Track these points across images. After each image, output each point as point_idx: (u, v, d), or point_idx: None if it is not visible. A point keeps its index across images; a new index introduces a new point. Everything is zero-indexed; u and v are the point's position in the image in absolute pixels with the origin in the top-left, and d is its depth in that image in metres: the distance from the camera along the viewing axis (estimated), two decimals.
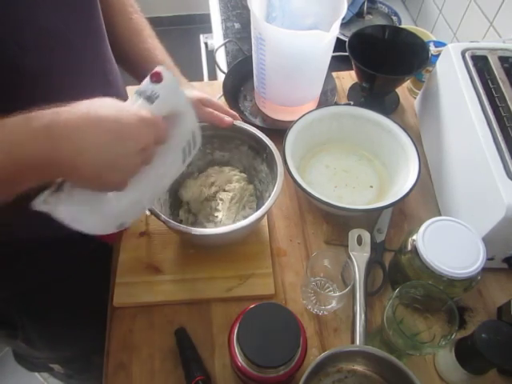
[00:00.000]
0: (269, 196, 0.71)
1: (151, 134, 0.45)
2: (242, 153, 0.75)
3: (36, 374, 1.40)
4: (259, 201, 0.75)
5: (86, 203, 0.46)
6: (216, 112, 0.68)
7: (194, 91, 0.69)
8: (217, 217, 0.71)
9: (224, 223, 0.70)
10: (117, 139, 0.42)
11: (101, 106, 0.42)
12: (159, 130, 0.47)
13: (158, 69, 0.48)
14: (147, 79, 0.48)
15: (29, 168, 0.39)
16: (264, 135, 0.70)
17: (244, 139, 0.73)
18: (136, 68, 0.70)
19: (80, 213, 0.46)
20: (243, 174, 0.77)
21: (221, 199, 0.73)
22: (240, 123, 0.71)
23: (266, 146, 0.70)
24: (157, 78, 0.47)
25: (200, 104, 0.67)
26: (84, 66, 0.56)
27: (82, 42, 0.55)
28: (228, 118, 0.68)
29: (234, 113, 0.72)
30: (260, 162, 0.73)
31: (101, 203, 0.48)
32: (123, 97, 0.72)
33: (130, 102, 0.47)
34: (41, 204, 0.43)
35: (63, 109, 0.40)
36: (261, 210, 0.62)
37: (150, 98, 0.47)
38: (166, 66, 0.69)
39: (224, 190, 0.74)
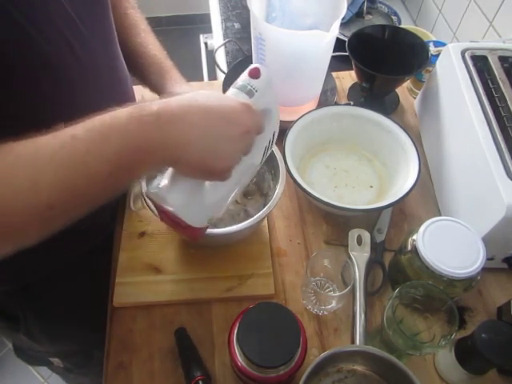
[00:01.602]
0: (268, 186, 0.71)
1: (253, 121, 0.46)
2: None
3: (36, 373, 1.40)
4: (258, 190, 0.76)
5: (189, 193, 0.48)
6: None
7: (185, 88, 0.68)
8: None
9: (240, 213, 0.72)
10: (221, 122, 0.43)
11: (204, 95, 0.44)
12: (259, 119, 0.48)
13: (255, 65, 0.49)
14: (245, 75, 0.49)
15: (143, 154, 0.40)
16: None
17: None
18: (129, 63, 0.70)
19: (185, 202, 0.48)
20: None
21: None
22: None
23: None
24: (255, 74, 0.49)
25: None
26: (95, 61, 0.57)
27: (95, 37, 0.55)
28: None
29: None
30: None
31: (200, 194, 0.50)
32: (131, 94, 0.72)
33: (229, 95, 0.49)
34: (154, 191, 0.46)
35: (170, 98, 0.42)
36: (264, 209, 0.62)
37: (250, 92, 0.48)
38: (158, 60, 0.69)
39: None
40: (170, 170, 0.48)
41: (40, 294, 0.72)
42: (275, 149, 0.69)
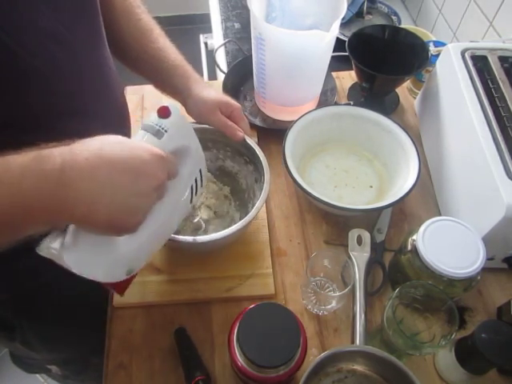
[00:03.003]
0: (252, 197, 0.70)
1: (165, 170, 0.43)
2: (248, 171, 0.74)
3: (36, 374, 1.40)
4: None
5: (92, 249, 0.44)
6: (230, 123, 0.66)
7: (212, 92, 0.68)
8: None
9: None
10: (133, 179, 0.40)
11: (112, 145, 0.41)
12: (170, 165, 0.45)
13: (165, 104, 0.47)
14: (154, 114, 0.46)
15: (37, 212, 0.37)
16: (266, 164, 0.67)
17: (252, 159, 0.71)
18: (149, 68, 0.70)
19: (87, 259, 0.43)
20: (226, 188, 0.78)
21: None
22: (251, 141, 0.69)
23: (262, 175, 0.67)
24: (164, 113, 0.46)
25: (217, 109, 0.66)
26: (86, 69, 0.56)
27: (83, 45, 0.55)
28: (240, 133, 0.66)
29: (247, 122, 0.70)
30: (258, 187, 0.71)
31: (109, 249, 0.45)
32: (122, 100, 0.71)
33: (138, 138, 0.46)
34: (45, 250, 0.41)
35: (75, 148, 0.39)
36: (242, 221, 0.61)
37: (158, 133, 0.46)
38: (181, 63, 0.69)
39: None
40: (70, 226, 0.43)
41: (36, 301, 0.71)
42: (263, 158, 0.67)
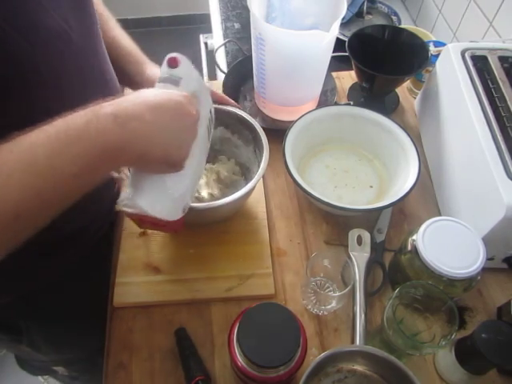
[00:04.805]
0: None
1: (195, 109, 0.49)
2: (250, 151, 0.76)
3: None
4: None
5: (156, 192, 0.51)
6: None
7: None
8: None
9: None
10: (174, 116, 0.46)
11: (146, 93, 0.46)
12: (196, 106, 0.51)
13: (172, 54, 0.51)
14: (164, 67, 0.51)
15: (104, 158, 0.41)
16: (266, 141, 0.71)
17: (255, 140, 0.74)
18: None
19: (154, 202, 0.50)
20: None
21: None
22: (254, 121, 0.73)
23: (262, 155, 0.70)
24: (174, 63, 0.51)
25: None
26: (86, 66, 0.57)
27: (84, 42, 0.55)
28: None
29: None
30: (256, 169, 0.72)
31: (166, 190, 0.52)
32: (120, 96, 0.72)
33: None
34: (121, 205, 0.49)
35: (118, 100, 0.43)
36: (249, 184, 0.64)
37: (176, 82, 0.51)
38: (135, 50, 0.72)
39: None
40: (130, 178, 0.50)
41: (42, 302, 0.71)
42: (256, 123, 0.72)
